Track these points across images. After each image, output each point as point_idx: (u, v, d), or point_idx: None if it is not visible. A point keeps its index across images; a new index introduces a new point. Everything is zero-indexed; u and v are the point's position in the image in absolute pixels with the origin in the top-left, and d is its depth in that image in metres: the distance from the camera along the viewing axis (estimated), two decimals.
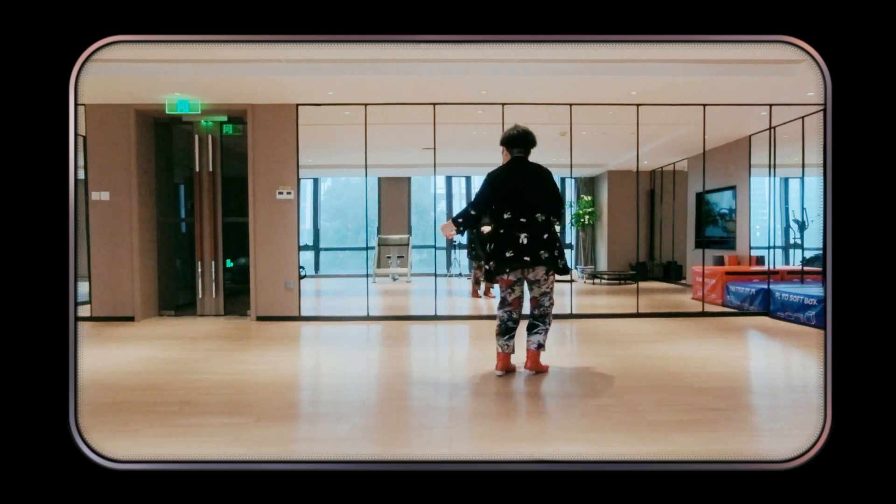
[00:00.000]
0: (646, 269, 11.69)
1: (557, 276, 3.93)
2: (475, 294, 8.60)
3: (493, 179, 3.90)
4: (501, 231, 3.80)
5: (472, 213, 3.91)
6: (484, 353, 4.91)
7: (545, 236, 3.79)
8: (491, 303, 8.08)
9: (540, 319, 3.92)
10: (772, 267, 7.76)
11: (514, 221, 3.77)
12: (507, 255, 3.75)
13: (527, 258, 3.75)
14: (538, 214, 3.79)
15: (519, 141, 3.92)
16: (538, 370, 3.92)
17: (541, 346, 3.91)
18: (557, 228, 3.98)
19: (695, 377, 3.86)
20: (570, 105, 6.62)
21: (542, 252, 3.76)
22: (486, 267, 3.91)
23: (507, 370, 3.93)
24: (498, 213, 3.83)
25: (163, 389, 3.62)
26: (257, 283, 6.65)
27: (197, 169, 6.94)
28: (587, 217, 12.57)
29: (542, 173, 3.90)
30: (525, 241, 3.75)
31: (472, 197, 4.16)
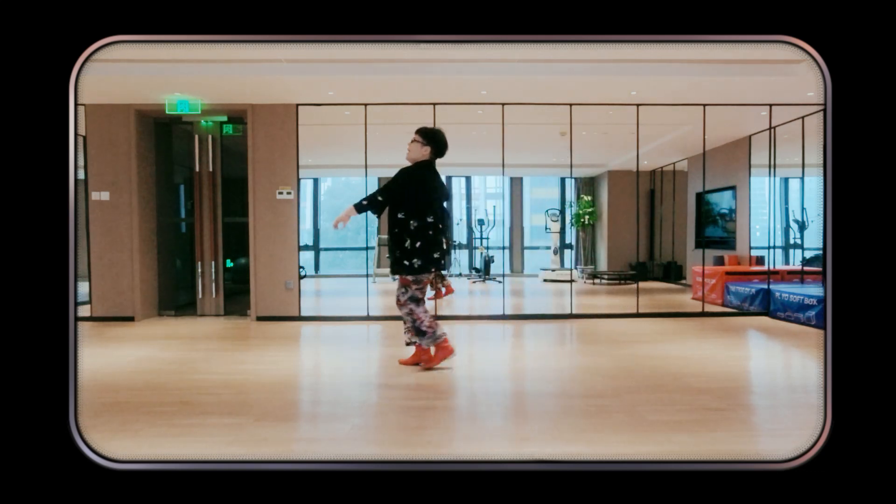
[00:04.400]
0: (646, 269, 11.69)
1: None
2: (440, 295, 8.15)
3: (416, 178, 3.99)
4: (430, 233, 3.97)
5: (380, 199, 3.96)
6: (483, 354, 4.92)
7: None
8: (492, 304, 8.08)
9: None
10: (772, 267, 7.76)
11: (436, 227, 4.01)
12: (435, 256, 4.00)
13: (441, 262, 4.11)
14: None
15: (444, 147, 4.13)
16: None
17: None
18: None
19: (695, 377, 3.86)
20: (570, 105, 6.61)
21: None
22: (412, 263, 3.94)
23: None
24: (422, 214, 3.96)
25: (162, 389, 3.62)
26: (257, 283, 6.65)
27: (197, 169, 6.94)
28: (587, 217, 12.57)
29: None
30: (445, 248, 4.12)
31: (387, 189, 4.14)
